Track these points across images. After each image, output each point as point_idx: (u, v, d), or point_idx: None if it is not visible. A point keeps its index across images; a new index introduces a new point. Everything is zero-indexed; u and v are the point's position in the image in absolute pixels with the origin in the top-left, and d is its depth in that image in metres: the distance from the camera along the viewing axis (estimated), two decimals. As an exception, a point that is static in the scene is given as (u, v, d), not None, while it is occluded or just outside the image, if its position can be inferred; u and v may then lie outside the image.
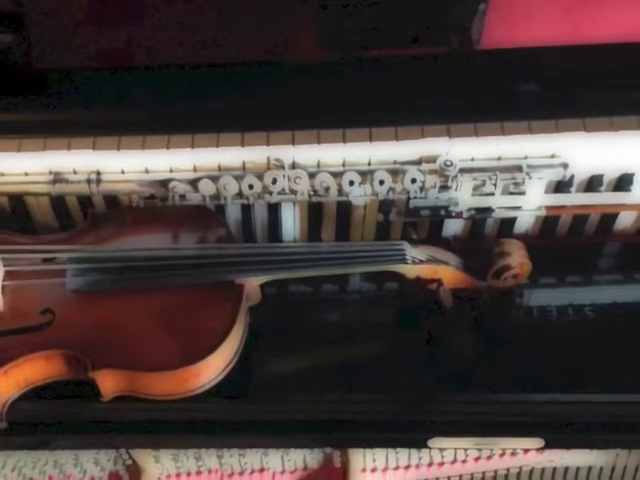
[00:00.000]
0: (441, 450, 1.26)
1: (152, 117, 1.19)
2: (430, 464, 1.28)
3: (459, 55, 1.23)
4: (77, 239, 1.16)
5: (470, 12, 1.19)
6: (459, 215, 1.19)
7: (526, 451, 1.24)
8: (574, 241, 1.25)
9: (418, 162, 1.14)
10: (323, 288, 1.24)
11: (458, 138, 1.14)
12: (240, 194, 1.16)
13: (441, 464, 1.28)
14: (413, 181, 1.14)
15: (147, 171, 1.16)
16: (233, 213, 1.21)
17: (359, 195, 1.16)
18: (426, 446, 1.14)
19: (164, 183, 1.16)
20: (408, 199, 1.18)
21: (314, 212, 1.22)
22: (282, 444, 1.25)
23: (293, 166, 1.15)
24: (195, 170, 1.16)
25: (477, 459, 1.27)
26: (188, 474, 1.31)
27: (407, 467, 1.28)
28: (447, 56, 1.23)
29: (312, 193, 1.17)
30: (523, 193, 1.17)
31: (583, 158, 1.15)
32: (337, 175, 1.15)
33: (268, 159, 1.15)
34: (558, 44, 1.19)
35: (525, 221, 1.23)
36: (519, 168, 1.15)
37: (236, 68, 1.22)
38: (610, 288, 1.23)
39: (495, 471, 1.31)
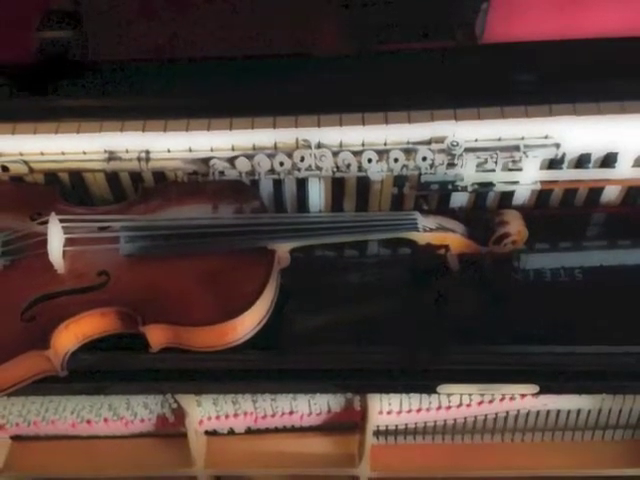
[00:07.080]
0: (448, 395, 1.33)
1: (195, 103, 1.23)
2: (439, 407, 1.36)
3: (464, 49, 1.28)
4: (129, 210, 1.21)
5: (474, 10, 1.24)
6: (464, 189, 1.24)
7: (523, 396, 1.31)
8: (565, 212, 1.29)
9: (428, 142, 1.19)
10: (345, 253, 1.29)
11: (463, 121, 1.18)
12: (272, 170, 1.21)
13: (448, 407, 1.36)
14: (424, 159, 1.19)
15: (190, 150, 1.21)
16: (266, 187, 1.26)
17: (376, 171, 1.21)
18: (435, 392, 1.20)
19: (205, 161, 1.21)
20: (419, 175, 1.22)
21: (337, 186, 1.26)
22: (309, 390, 1.33)
23: (319, 146, 1.19)
24: (233, 149, 1.20)
25: (480, 403, 1.35)
26: (226, 416, 1.39)
27: (418, 410, 1.36)
28: (453, 49, 1.28)
29: (335, 169, 1.21)
30: (520, 169, 1.22)
31: (573, 139, 1.19)
32: (357, 154, 1.19)
33: (297, 139, 1.20)
34: (552, 39, 1.24)
35: (522, 194, 1.27)
36: (517, 148, 1.19)
37: (269, 60, 1.28)
38: (597, 253, 1.26)
39: (495, 413, 1.38)
